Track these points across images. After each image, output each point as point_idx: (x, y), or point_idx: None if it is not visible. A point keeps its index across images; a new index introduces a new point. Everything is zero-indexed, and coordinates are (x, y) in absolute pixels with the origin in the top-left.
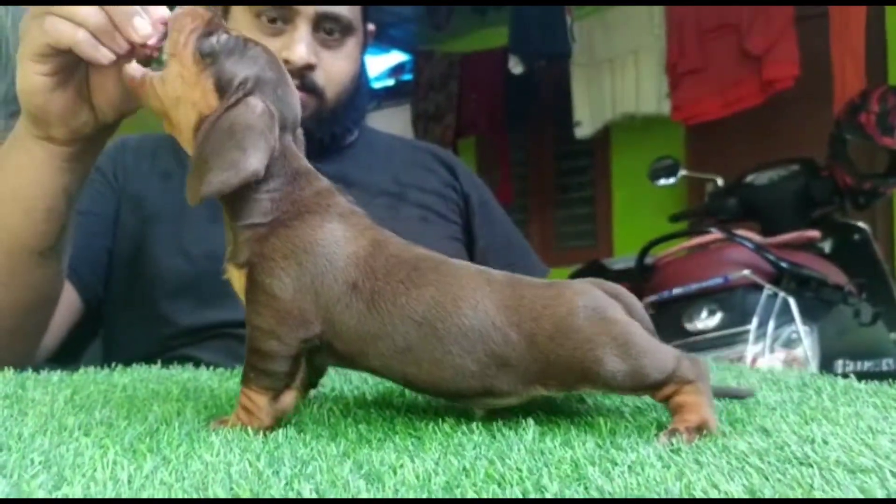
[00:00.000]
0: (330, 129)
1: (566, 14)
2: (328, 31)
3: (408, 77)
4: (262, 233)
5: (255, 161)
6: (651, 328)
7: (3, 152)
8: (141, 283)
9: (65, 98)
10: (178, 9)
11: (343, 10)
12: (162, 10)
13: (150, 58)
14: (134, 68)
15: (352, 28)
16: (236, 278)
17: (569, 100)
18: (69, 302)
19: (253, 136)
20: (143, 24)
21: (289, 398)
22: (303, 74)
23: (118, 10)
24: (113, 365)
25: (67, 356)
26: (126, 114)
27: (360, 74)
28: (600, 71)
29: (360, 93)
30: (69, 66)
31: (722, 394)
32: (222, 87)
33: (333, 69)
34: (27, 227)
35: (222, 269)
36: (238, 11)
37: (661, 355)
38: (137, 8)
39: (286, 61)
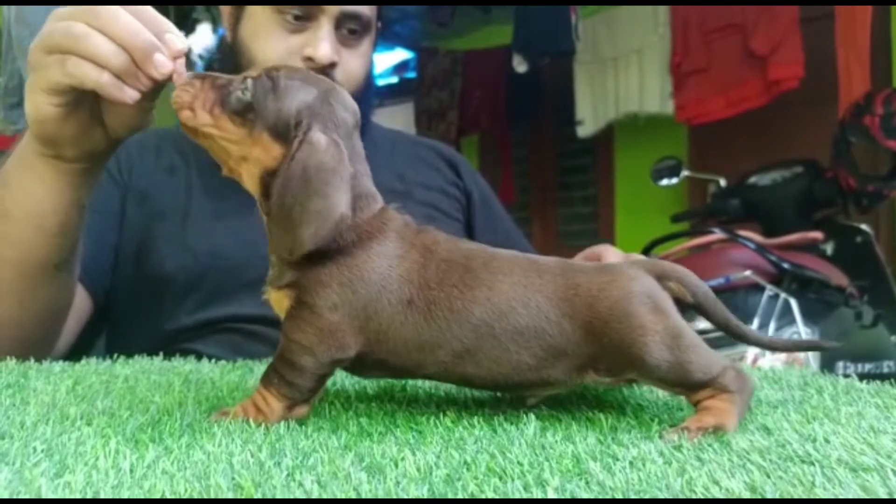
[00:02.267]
0: None
1: (571, 12)
2: (349, 30)
3: (411, 74)
4: (319, 258)
5: (339, 205)
6: (713, 298)
7: (10, 169)
8: (145, 279)
9: (77, 124)
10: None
11: (364, 10)
12: (181, 42)
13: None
14: (185, 118)
15: (370, 27)
16: (276, 300)
17: (572, 98)
18: (80, 304)
19: (328, 178)
20: (164, 60)
21: (302, 410)
22: (325, 72)
23: (138, 48)
24: (115, 356)
25: (76, 354)
26: (138, 130)
27: (371, 71)
28: (604, 69)
29: (369, 89)
30: (81, 95)
31: (795, 347)
32: (280, 134)
33: (351, 67)
34: (41, 242)
35: (262, 290)
36: (258, 6)
37: (709, 357)
38: (156, 42)
39: (309, 59)
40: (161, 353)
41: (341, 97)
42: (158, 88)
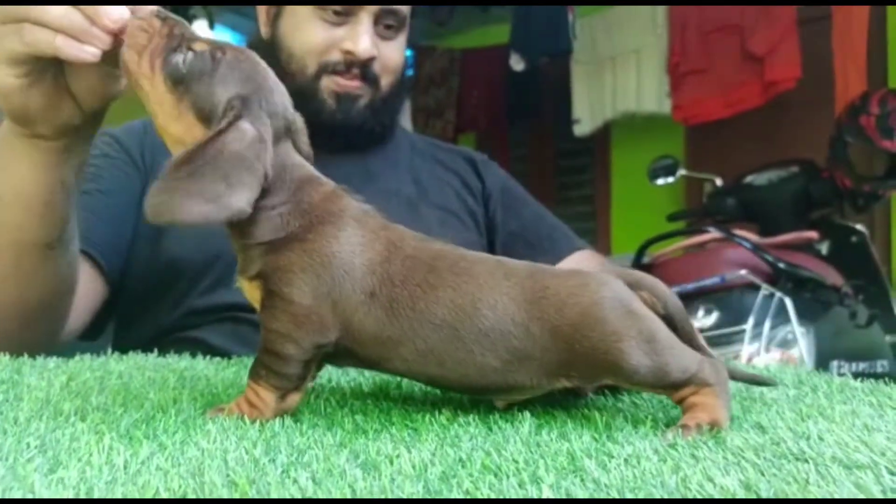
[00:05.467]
0: (381, 119)
1: (568, 12)
2: (386, 26)
3: (408, 72)
4: (277, 247)
5: (240, 199)
6: (682, 310)
7: None
8: (161, 261)
9: (42, 94)
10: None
11: (402, 6)
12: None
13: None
14: (127, 58)
15: (405, 22)
16: (248, 289)
17: (570, 97)
18: (93, 286)
19: (241, 171)
20: (116, 9)
21: (294, 398)
22: (364, 65)
23: (89, 6)
24: (109, 352)
25: (91, 334)
26: (112, 98)
27: (405, 67)
28: (601, 69)
29: (404, 84)
30: (43, 64)
31: (746, 379)
32: (206, 117)
33: (389, 60)
34: (28, 223)
35: (234, 279)
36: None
37: (685, 355)
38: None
39: (350, 52)
40: (166, 341)
41: (279, 96)
42: (118, 47)
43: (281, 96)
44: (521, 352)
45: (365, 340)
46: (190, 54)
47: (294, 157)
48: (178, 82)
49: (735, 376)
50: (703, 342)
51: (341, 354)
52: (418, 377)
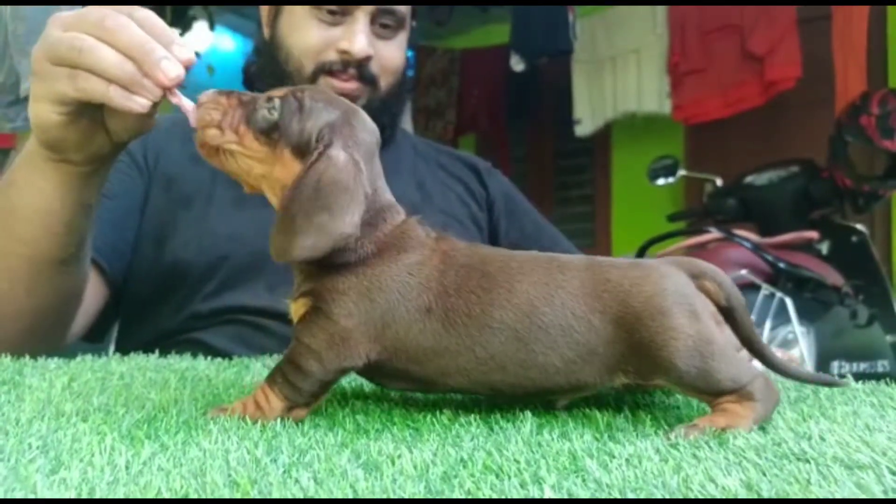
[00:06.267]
0: (380, 120)
1: (568, 12)
2: (383, 25)
3: (409, 72)
4: (341, 270)
5: (344, 224)
6: (743, 304)
7: (17, 169)
8: (165, 263)
9: (80, 129)
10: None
11: (400, 6)
12: (187, 52)
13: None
14: (211, 136)
15: (404, 22)
16: (295, 310)
17: (570, 98)
18: (97, 290)
19: (340, 195)
20: (173, 65)
21: (301, 413)
22: (361, 65)
23: (146, 56)
24: (110, 353)
25: (96, 336)
26: (141, 133)
27: (406, 67)
28: (602, 69)
29: (405, 85)
30: (86, 105)
31: (811, 380)
32: (302, 151)
33: (387, 60)
34: (47, 239)
35: (285, 302)
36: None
37: (739, 365)
38: (164, 51)
39: (345, 52)
40: (170, 342)
41: (362, 118)
42: (165, 97)
43: (366, 117)
44: (584, 346)
45: (423, 357)
46: (276, 101)
47: (377, 182)
48: (272, 130)
49: (799, 377)
50: (763, 343)
51: (395, 376)
52: (480, 389)
